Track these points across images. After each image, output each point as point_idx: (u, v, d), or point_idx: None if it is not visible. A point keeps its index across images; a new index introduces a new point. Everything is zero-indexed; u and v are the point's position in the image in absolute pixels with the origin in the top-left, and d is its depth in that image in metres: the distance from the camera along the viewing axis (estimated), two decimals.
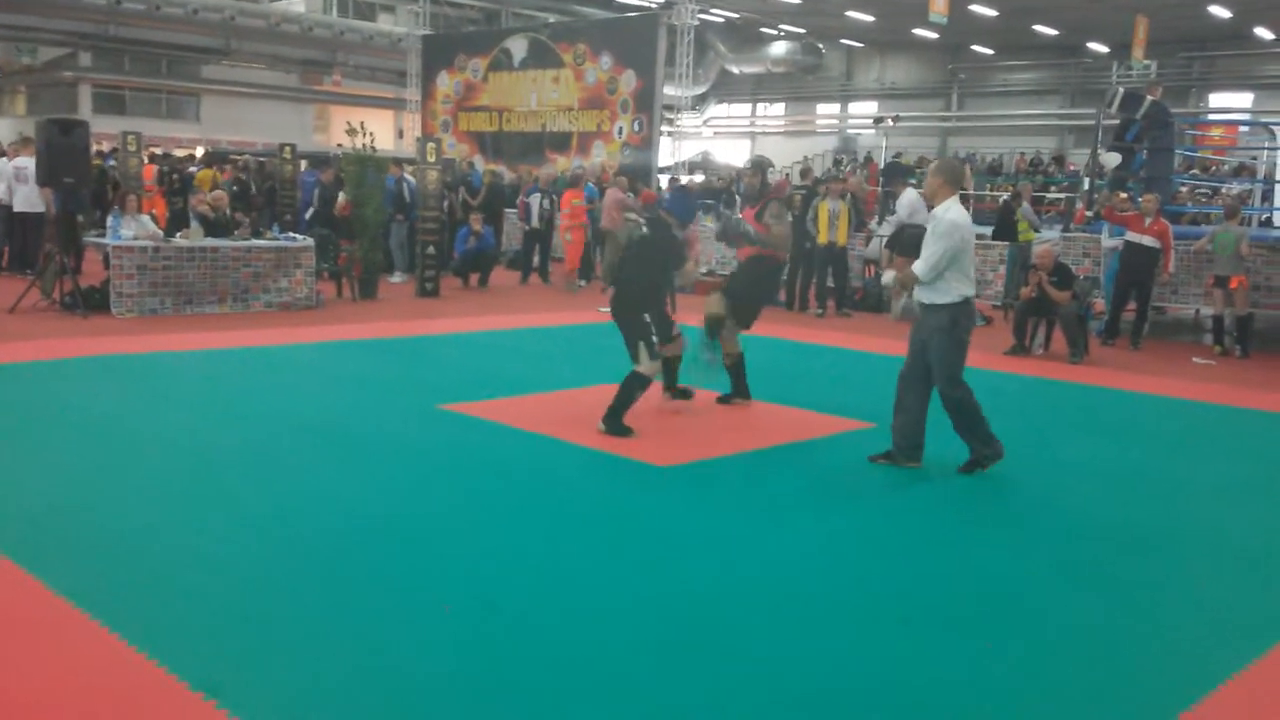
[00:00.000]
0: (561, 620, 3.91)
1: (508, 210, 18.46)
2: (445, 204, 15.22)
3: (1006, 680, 3.60)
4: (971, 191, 26.57)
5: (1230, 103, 31.30)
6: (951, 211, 5.94)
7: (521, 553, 4.61)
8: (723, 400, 7.84)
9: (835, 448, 6.75)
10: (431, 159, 13.79)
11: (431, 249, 13.67)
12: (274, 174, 18.26)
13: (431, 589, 4.15)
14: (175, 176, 18.30)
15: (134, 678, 3.36)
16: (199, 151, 28.14)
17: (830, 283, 13.57)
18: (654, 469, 6.02)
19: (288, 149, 18.54)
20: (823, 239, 13.29)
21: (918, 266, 5.91)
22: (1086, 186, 16.42)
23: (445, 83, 26.87)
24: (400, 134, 32.33)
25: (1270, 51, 30.54)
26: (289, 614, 3.88)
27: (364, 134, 12.97)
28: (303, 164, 18.66)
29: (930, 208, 6.30)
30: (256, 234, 12.39)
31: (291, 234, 12.91)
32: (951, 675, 3.61)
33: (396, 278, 14.82)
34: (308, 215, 15.50)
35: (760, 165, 8.06)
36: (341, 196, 14.12)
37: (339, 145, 14.55)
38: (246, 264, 11.53)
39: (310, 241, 12.23)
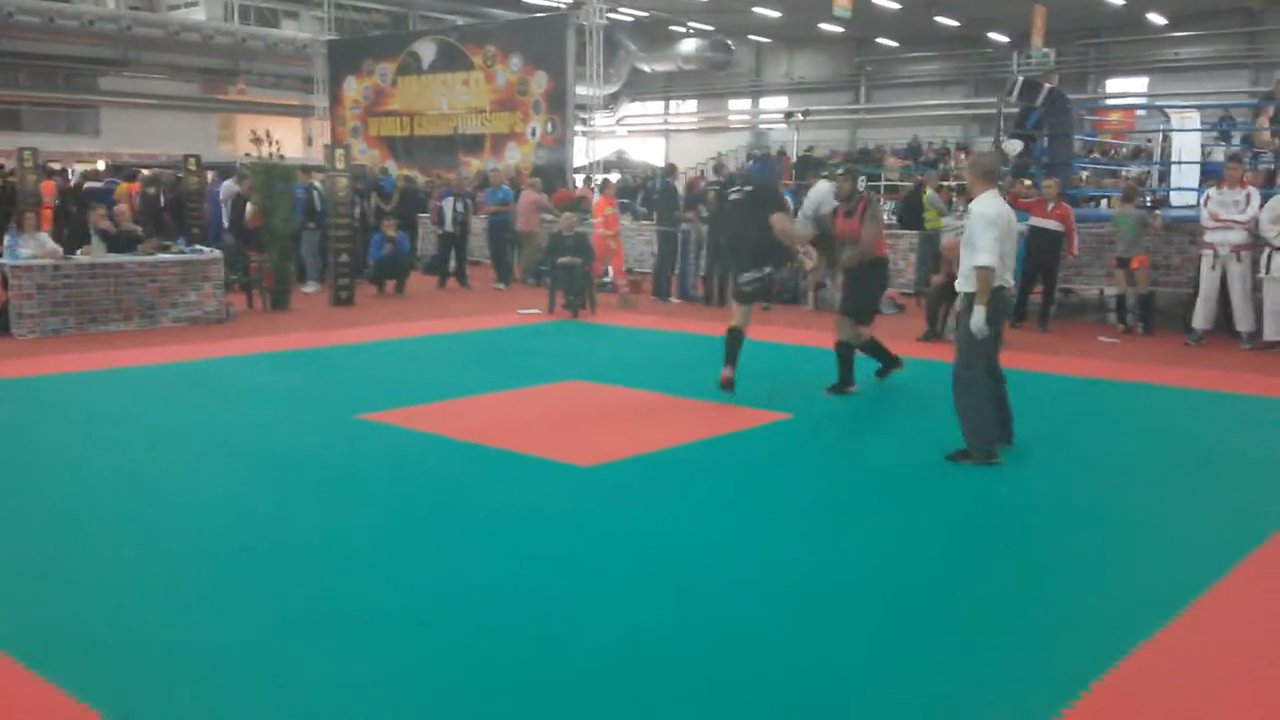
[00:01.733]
0: (489, 630, 3.88)
1: (421, 215, 18.29)
2: (357, 211, 15.02)
3: (938, 652, 3.66)
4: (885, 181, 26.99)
5: (1126, 87, 32.26)
6: (990, 204, 6.10)
7: (446, 561, 4.56)
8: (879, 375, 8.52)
9: (753, 441, 6.80)
10: (340, 165, 13.60)
11: (345, 257, 13.47)
12: (178, 185, 17.82)
13: (354, 605, 4.08)
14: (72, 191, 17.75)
15: (39, 704, 3.25)
16: (100, 165, 27.34)
17: None
18: (576, 469, 6.00)
19: (192, 160, 18.13)
20: None
21: (981, 259, 5.99)
22: None
23: (353, 88, 26.52)
24: (309, 141, 31.79)
25: (1163, 36, 31.56)
26: (205, 636, 3.78)
27: (270, 142, 12.73)
28: (209, 175, 18.25)
29: (969, 202, 6.56)
30: (163, 248, 12.08)
31: (199, 246, 12.62)
32: (873, 654, 3.66)
33: (310, 287, 14.57)
34: (226, 226, 15.20)
35: (852, 173, 8.60)
36: (250, 207, 13.84)
37: (245, 155, 14.27)
38: (152, 279, 11.24)
39: (218, 254, 11.97)
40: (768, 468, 6.16)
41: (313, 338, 10.81)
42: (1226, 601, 4.21)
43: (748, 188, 8.33)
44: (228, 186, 16.10)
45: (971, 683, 3.51)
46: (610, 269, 15.21)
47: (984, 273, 6.00)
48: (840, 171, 8.72)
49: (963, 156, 31.15)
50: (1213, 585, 4.34)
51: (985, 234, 5.99)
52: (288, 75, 33.98)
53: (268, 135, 12.78)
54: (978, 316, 6.03)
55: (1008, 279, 6.18)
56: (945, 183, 17.23)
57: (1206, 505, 5.48)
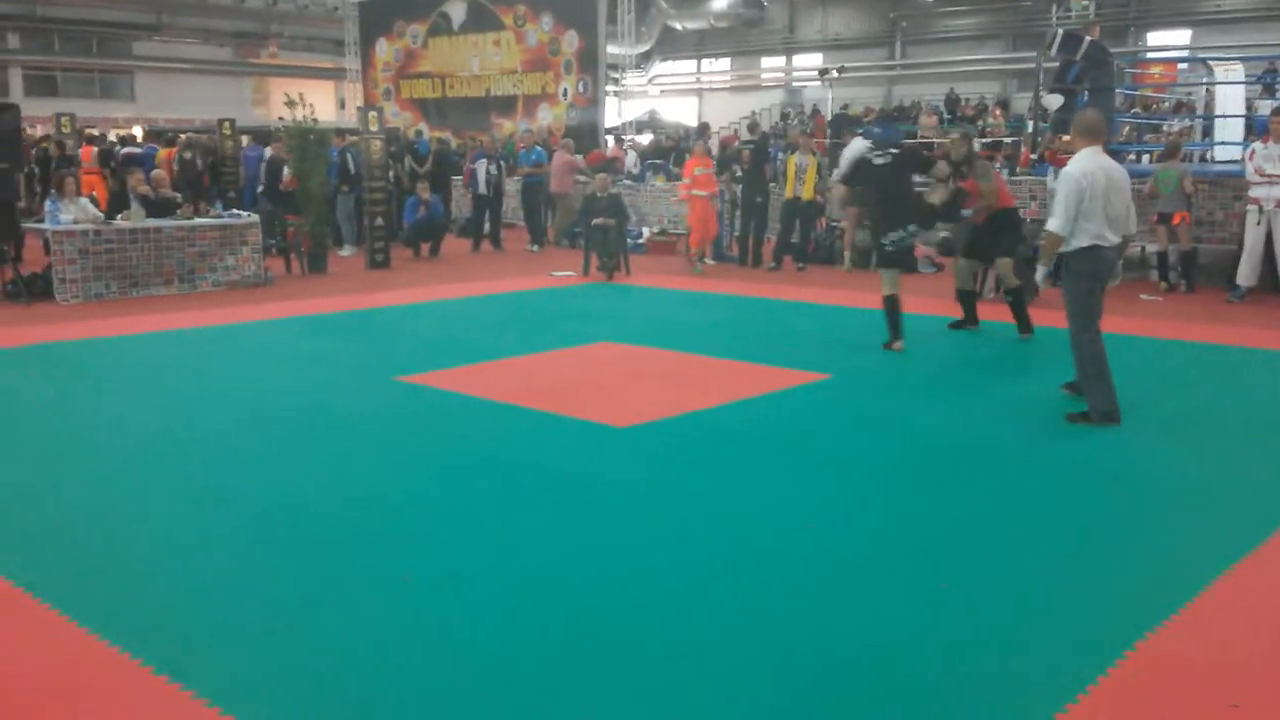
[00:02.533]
0: (527, 586, 3.93)
1: (454, 178, 18.32)
2: (391, 174, 15.05)
3: (969, 622, 3.67)
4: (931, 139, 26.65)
5: (1168, 40, 31.54)
6: (1076, 163, 6.06)
7: (484, 520, 4.61)
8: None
9: (791, 401, 6.79)
10: (374, 128, 13.61)
11: (380, 220, 13.53)
12: (214, 150, 17.95)
13: (396, 563, 4.14)
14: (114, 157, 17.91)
15: (96, 663, 3.34)
16: (137, 131, 27.54)
17: (794, 237, 13.57)
18: (613, 430, 6.03)
19: (227, 124, 18.23)
20: (789, 193, 13.27)
21: (1050, 222, 6.10)
22: (1030, 130, 16.55)
23: (385, 50, 26.46)
24: (342, 104, 31.81)
25: None
26: (251, 595, 3.86)
27: (304, 105, 12.76)
28: (244, 139, 18.34)
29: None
30: (201, 212, 12.19)
31: (236, 211, 12.71)
32: (906, 620, 3.68)
33: (346, 251, 14.67)
34: (259, 191, 15.29)
35: (967, 135, 9.31)
36: (286, 170, 13.92)
37: (279, 119, 14.33)
38: (191, 243, 11.35)
39: (255, 218, 12.05)
40: (805, 429, 6.16)
41: (350, 301, 10.90)
42: (1266, 568, 4.18)
43: (893, 150, 8.35)
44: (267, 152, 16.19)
45: (1016, 644, 3.51)
46: (690, 241, 13.73)
47: (1049, 237, 6.07)
48: (956, 135, 9.36)
49: (999, 113, 30.73)
50: (1250, 552, 4.31)
51: (1059, 194, 6.04)
52: (319, 38, 34.00)
53: (301, 98, 12.81)
54: (1039, 273, 6.27)
55: (1109, 237, 6.02)
56: (984, 139, 16.96)
57: (1257, 468, 5.43)
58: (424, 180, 15.24)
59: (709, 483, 5.14)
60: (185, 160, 16.66)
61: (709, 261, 13.78)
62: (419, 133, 22.23)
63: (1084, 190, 5.96)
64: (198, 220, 11.63)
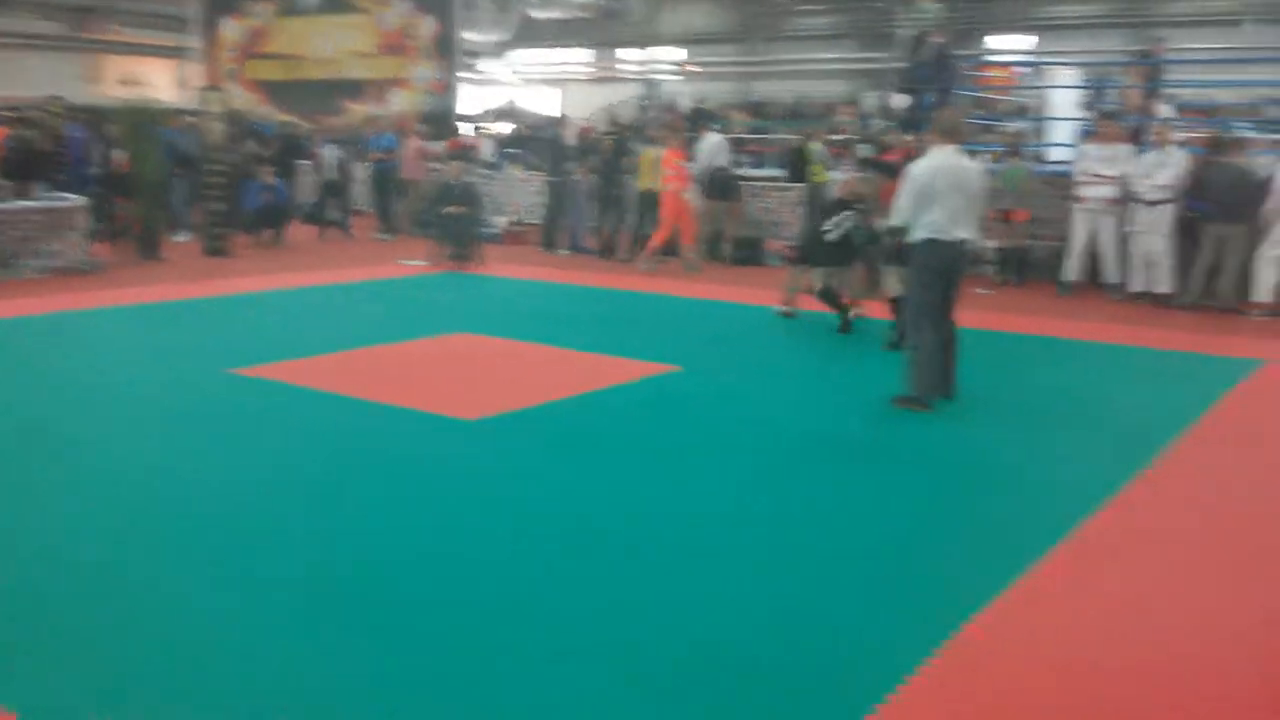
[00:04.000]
0: (371, 583, 3.79)
1: (302, 162, 17.72)
2: (233, 157, 14.43)
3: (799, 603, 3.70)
4: (772, 136, 27.13)
5: (1011, 44, 32.89)
6: (921, 161, 6.38)
7: (320, 517, 4.43)
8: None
9: (642, 393, 6.78)
10: (216, 109, 13.03)
11: (220, 205, 12.95)
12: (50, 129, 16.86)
13: (235, 563, 3.94)
14: None
15: None
16: None
17: (650, 229, 13.53)
18: (464, 423, 5.90)
19: (57, 103, 17.18)
20: (643, 185, 13.20)
21: (892, 217, 6.41)
22: (880, 129, 16.98)
23: (231, 29, 25.40)
24: (183, 84, 30.46)
25: None
26: (73, 601, 3.60)
27: (141, 84, 12.12)
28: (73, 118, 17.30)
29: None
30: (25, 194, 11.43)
31: (62, 194, 11.97)
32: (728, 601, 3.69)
33: (182, 237, 13.99)
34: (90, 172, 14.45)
35: (869, 179, 9.50)
36: (118, 152, 13.19)
37: (114, 98, 13.60)
38: (13, 226, 10.64)
39: (83, 201, 11.38)
40: (654, 419, 6.15)
41: (184, 289, 10.39)
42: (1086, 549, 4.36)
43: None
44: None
45: (849, 627, 3.55)
46: (656, 239, 12.86)
47: (891, 229, 6.45)
48: (861, 176, 9.66)
49: (848, 110, 31.53)
50: (1066, 536, 4.48)
51: (903, 189, 6.30)
52: (161, 14, 32.32)
53: (139, 77, 12.15)
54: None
55: (954, 233, 6.22)
56: (833, 136, 17.30)
57: (1076, 454, 5.66)
58: (267, 165, 14.67)
59: (559, 474, 5.07)
60: (24, 139, 15.57)
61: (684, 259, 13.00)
62: (264, 115, 21.47)
63: (924, 186, 6.20)
64: (19, 202, 10.91)
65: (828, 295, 8.79)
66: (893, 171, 8.72)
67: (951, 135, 6.46)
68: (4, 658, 3.23)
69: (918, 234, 6.27)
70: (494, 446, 5.54)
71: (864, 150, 8.83)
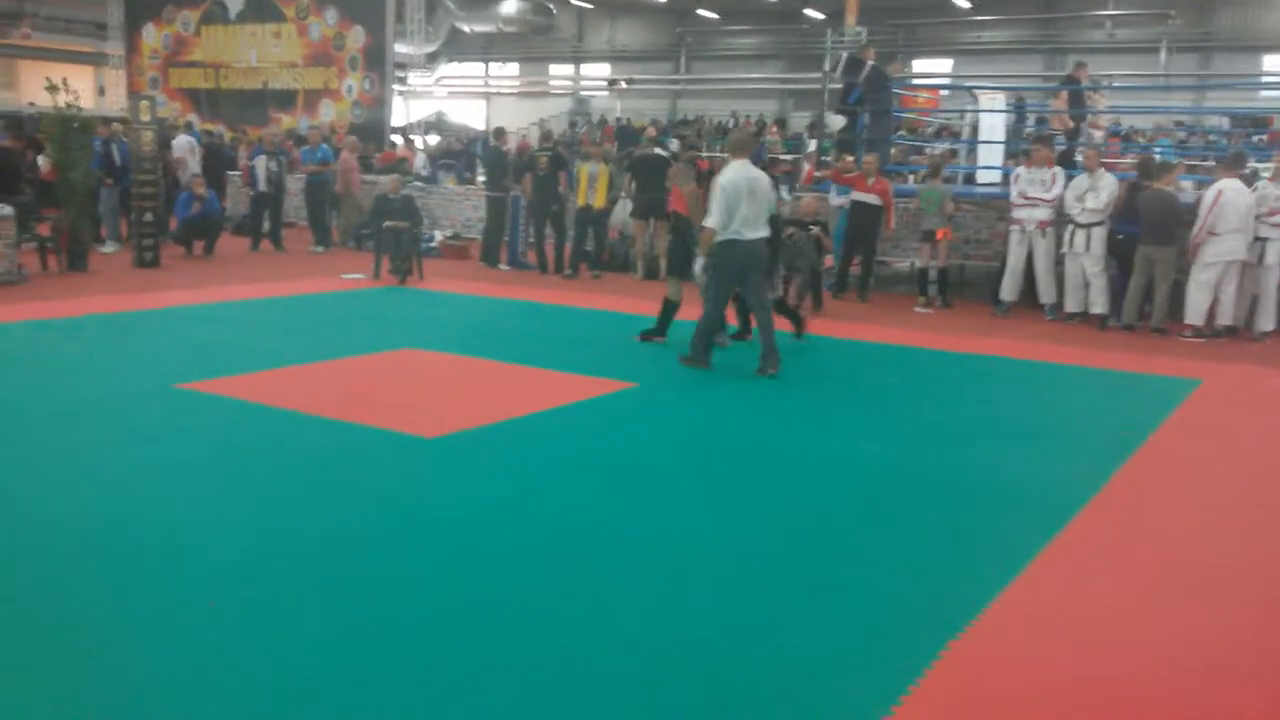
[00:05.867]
0: (342, 604, 3.70)
1: (231, 173, 17.39)
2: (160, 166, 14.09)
3: (774, 622, 3.71)
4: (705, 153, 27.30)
5: (932, 68, 33.70)
6: (724, 174, 7.52)
7: (286, 535, 4.33)
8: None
9: (601, 409, 6.76)
10: (145, 118, 12.72)
11: (149, 215, 12.62)
12: None
13: (190, 587, 3.82)
14: None
15: None
16: None
17: (589, 245, 13.54)
18: (423, 440, 5.81)
19: None
20: (581, 201, 13.23)
21: (707, 220, 7.47)
22: (812, 148, 17.22)
23: (152, 36, 24.88)
24: (102, 91, 29.67)
25: (967, 20, 33.06)
26: (14, 626, 3.46)
27: (67, 91, 11.77)
28: None
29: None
30: None
31: None
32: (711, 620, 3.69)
33: (109, 247, 13.61)
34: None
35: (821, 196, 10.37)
36: (43, 160, 12.80)
37: (30, 104, 13.16)
38: None
39: (8, 210, 11.00)
40: (617, 437, 6.13)
41: (117, 301, 10.10)
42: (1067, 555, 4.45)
43: None
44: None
45: (826, 648, 3.57)
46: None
47: (705, 232, 7.49)
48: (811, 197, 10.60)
49: (775, 129, 31.94)
50: (1041, 550, 4.57)
51: (714, 199, 7.41)
52: (79, 20, 31.57)
53: (64, 83, 11.80)
54: (698, 264, 7.92)
55: (745, 233, 7.43)
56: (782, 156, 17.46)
57: (1034, 468, 5.77)
58: (198, 175, 14.35)
59: (526, 493, 5.02)
60: None
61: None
62: (188, 124, 21.00)
63: (730, 195, 7.34)
64: None
65: (781, 307, 8.97)
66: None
67: (743, 149, 7.82)
68: None
69: (722, 235, 7.42)
70: (457, 465, 5.47)
71: None
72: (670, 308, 8.77)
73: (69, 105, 11.94)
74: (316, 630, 3.53)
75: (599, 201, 13.24)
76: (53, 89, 11.69)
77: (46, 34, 32.29)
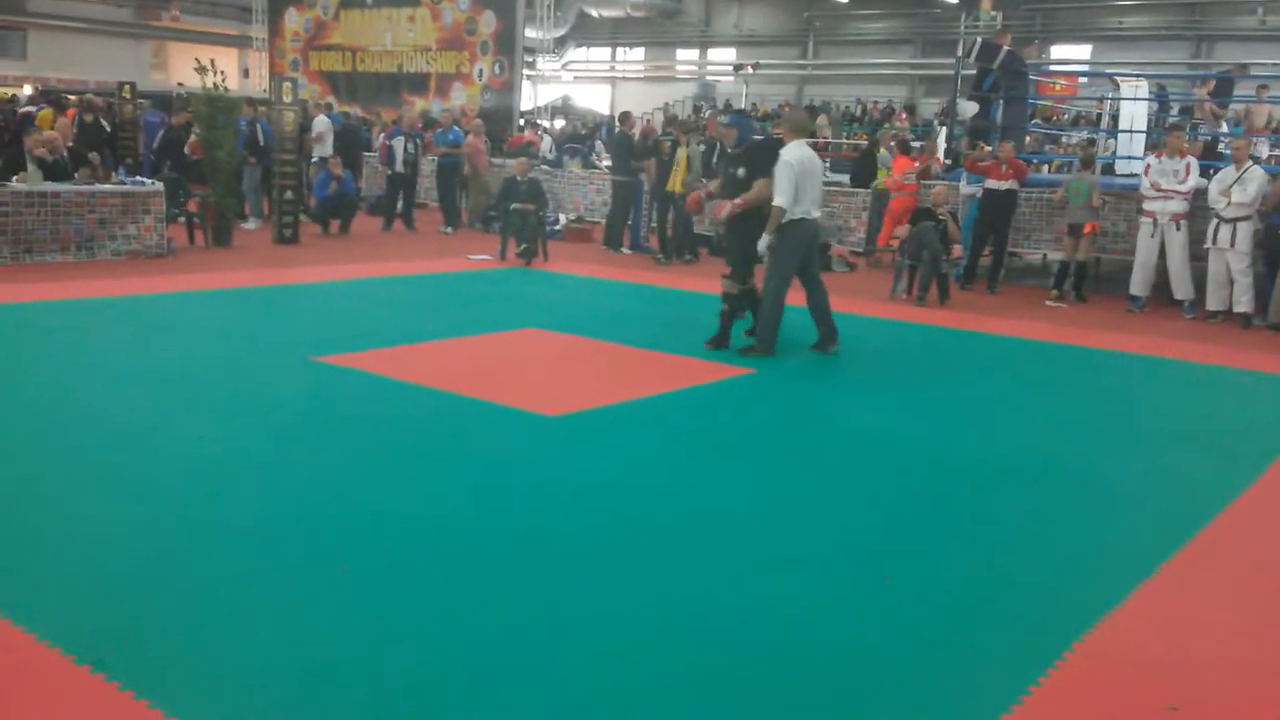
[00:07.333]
0: (466, 577, 3.83)
1: (367, 155, 17.93)
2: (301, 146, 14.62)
3: (895, 620, 3.69)
4: (829, 139, 27.07)
5: (1070, 54, 32.56)
6: (791, 151, 7.54)
7: (416, 506, 4.49)
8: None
9: (720, 395, 6.79)
10: (288, 99, 13.20)
11: (290, 194, 13.13)
12: (114, 114, 17.21)
13: (328, 550, 4.00)
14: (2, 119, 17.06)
15: (13, 653, 3.14)
16: (26, 90, 26.28)
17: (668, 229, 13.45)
18: (546, 419, 5.94)
19: (126, 88, 17.51)
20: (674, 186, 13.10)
21: (775, 198, 7.43)
22: (943, 135, 16.86)
23: (294, 19, 25.76)
24: (245, 73, 30.85)
25: (1107, 4, 31.85)
26: (172, 583, 3.68)
27: (215, 72, 12.31)
28: (144, 104, 17.64)
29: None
30: (101, 178, 11.66)
31: (139, 178, 12.20)
32: (835, 614, 3.69)
33: (250, 224, 14.20)
34: (157, 157, 14.74)
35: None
36: (192, 136, 13.43)
37: (179, 84, 13.80)
38: (91, 209, 10.83)
39: (159, 186, 11.58)
40: (736, 422, 6.16)
41: (259, 275, 10.55)
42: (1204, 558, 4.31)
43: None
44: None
45: (951, 645, 3.54)
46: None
47: (775, 210, 7.43)
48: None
49: (904, 116, 31.34)
50: (1176, 552, 4.44)
51: (780, 177, 7.40)
52: (224, 3, 32.89)
53: (212, 65, 12.34)
54: (763, 241, 7.57)
55: (811, 212, 7.60)
56: (916, 143, 17.11)
57: (1178, 472, 5.60)
58: (335, 155, 14.84)
59: (646, 475, 5.09)
60: (86, 123, 15.92)
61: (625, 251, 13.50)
62: (328, 105, 21.69)
63: (799, 173, 7.39)
64: (99, 186, 11.12)
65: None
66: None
67: (801, 131, 7.90)
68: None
69: (791, 214, 7.45)
70: (578, 444, 5.57)
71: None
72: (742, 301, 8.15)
73: (216, 86, 12.47)
74: (441, 598, 3.66)
75: (675, 185, 13.06)
76: (201, 70, 12.23)
77: (194, 17, 33.72)
